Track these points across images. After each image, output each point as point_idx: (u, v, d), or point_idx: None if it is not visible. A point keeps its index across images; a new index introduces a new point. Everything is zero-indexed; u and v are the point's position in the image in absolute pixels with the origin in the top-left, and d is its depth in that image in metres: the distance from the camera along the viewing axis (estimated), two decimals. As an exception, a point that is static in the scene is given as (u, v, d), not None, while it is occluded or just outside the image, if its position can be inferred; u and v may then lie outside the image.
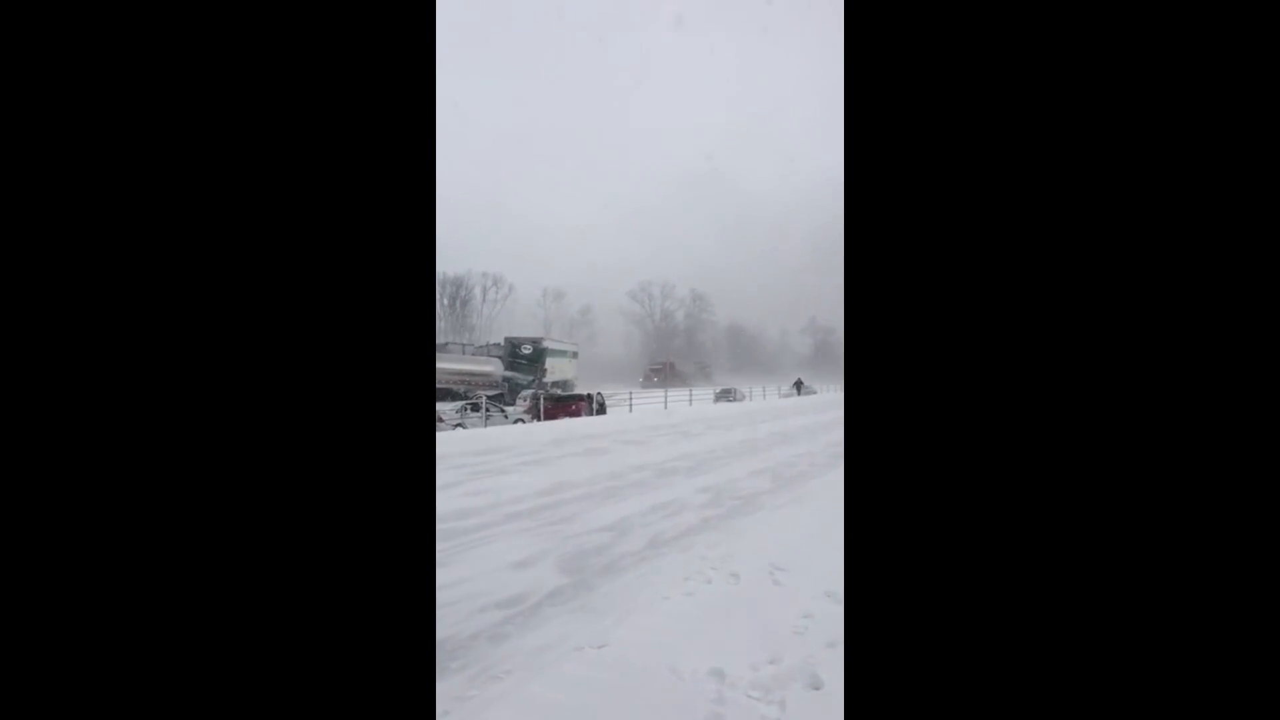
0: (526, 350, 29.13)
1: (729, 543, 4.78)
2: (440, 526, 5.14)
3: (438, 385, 25.48)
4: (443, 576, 3.95)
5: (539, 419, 17.25)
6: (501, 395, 24.75)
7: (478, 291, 61.41)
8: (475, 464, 8.35)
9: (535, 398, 19.07)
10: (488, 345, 30.54)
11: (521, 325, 52.42)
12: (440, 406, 18.02)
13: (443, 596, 3.65)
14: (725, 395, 29.84)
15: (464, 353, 28.94)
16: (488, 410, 16.53)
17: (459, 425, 15.59)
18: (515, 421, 16.84)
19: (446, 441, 10.97)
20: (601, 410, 19.68)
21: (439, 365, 26.41)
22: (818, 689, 2.59)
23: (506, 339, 31.15)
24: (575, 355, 34.07)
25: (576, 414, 18.59)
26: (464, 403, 17.85)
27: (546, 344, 30.68)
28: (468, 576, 3.98)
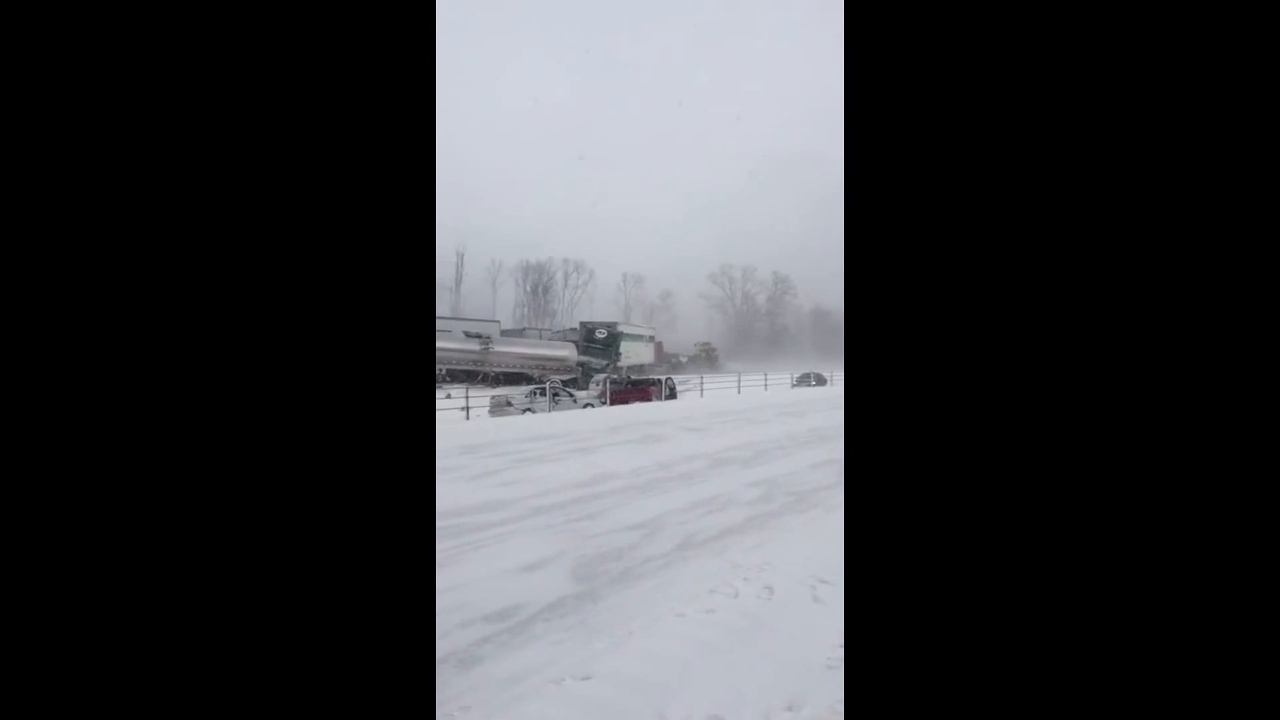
0: (601, 335, 28.97)
1: (771, 546, 4.19)
2: (458, 520, 4.79)
3: (513, 369, 25.75)
4: (439, 580, 3.56)
5: (608, 404, 16.94)
6: (575, 380, 24.69)
7: (559, 277, 62.07)
8: (520, 451, 8.02)
9: (605, 383, 18.79)
10: (564, 330, 30.53)
11: (602, 311, 52.56)
12: (510, 391, 18.05)
13: (427, 605, 3.26)
14: (806, 380, 28.65)
15: (540, 338, 29.10)
16: (555, 395, 16.35)
17: (528, 410, 15.50)
18: (584, 406, 16.59)
19: (501, 427, 10.76)
20: (672, 395, 19.18)
21: (514, 350, 26.68)
22: (836, 758, 2.02)
23: (581, 324, 31.15)
24: (652, 340, 33.70)
25: (647, 399, 18.18)
26: (533, 387, 17.79)
27: (622, 329, 30.46)
28: (465, 581, 3.58)
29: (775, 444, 8.88)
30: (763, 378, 24.26)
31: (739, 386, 21.17)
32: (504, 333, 28.79)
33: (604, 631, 2.95)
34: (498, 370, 25.75)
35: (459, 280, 54.07)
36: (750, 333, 64.17)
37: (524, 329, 30.42)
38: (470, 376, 24.34)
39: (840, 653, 2.64)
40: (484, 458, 7.54)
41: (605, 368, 26.32)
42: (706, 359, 40.94)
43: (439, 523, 4.69)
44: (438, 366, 24.86)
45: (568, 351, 27.62)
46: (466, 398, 13.67)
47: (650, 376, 23.79)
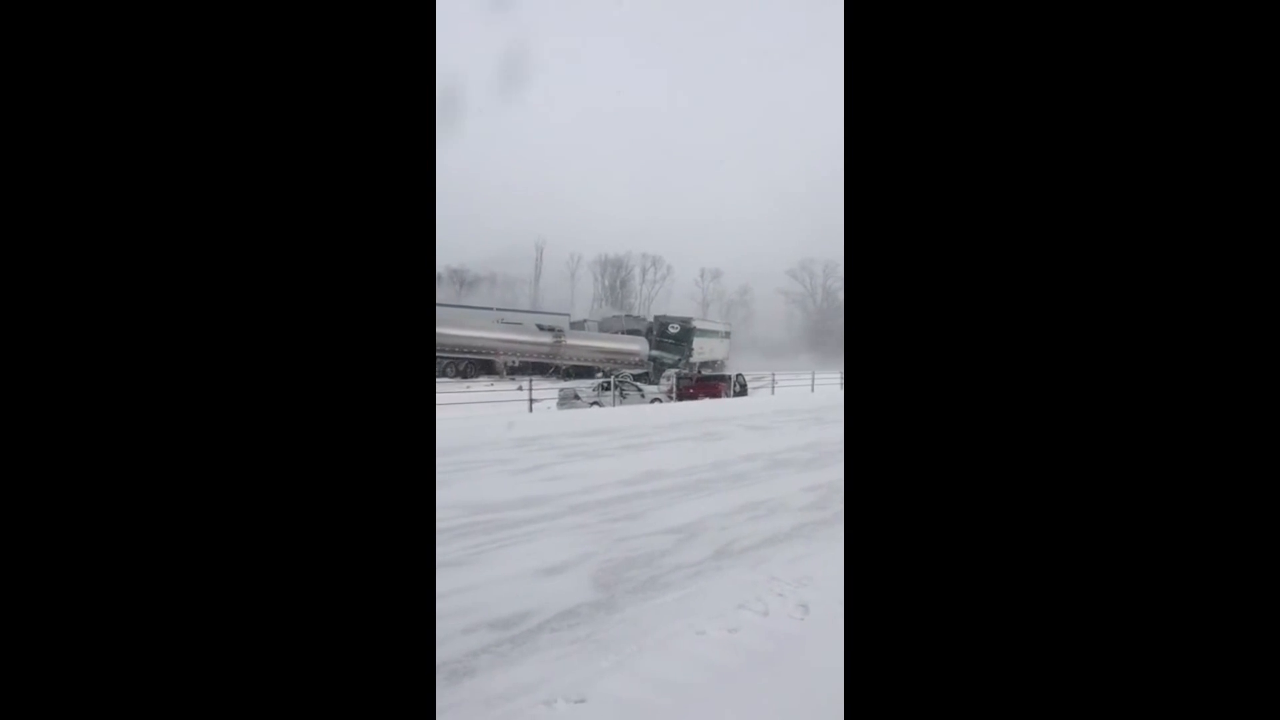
0: (674, 329, 28.68)
1: (815, 559, 3.85)
2: (492, 517, 4.66)
3: (584, 363, 25.86)
4: (454, 580, 3.42)
5: (676, 399, 16.69)
6: (646, 374, 24.54)
7: (636, 272, 62.18)
8: (572, 446, 7.89)
9: (674, 378, 18.54)
10: (625, 317, 30.19)
11: (679, 306, 52.21)
12: (578, 384, 18.07)
13: (440, 607, 3.11)
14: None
15: (597, 329, 29.10)
16: (621, 389, 16.23)
17: (595, 403, 15.45)
18: (652, 401, 16.40)
19: (563, 420, 10.69)
20: (743, 391, 18.72)
21: (585, 343, 26.79)
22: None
23: (655, 318, 30.95)
24: (727, 335, 33.16)
25: (716, 395, 17.81)
26: (600, 380, 17.75)
27: (695, 324, 30.09)
28: (481, 583, 3.42)
29: (840, 445, 8.41)
30: (838, 375, 23.40)
31: (813, 384, 20.47)
32: (572, 325, 28.85)
33: (612, 648, 2.72)
34: (569, 363, 25.91)
35: (538, 274, 54.95)
36: (830, 329, 62.36)
37: (584, 321, 30.42)
38: (541, 369, 24.55)
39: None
40: (535, 451, 7.44)
41: (677, 363, 26.04)
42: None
43: (472, 518, 4.59)
44: (511, 359, 25.25)
45: (638, 345, 27.48)
46: (530, 390, 13.70)
47: (721, 372, 23.32)
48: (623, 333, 28.07)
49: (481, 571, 3.59)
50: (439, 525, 4.33)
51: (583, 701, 2.28)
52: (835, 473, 6.51)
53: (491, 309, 28.31)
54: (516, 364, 25.32)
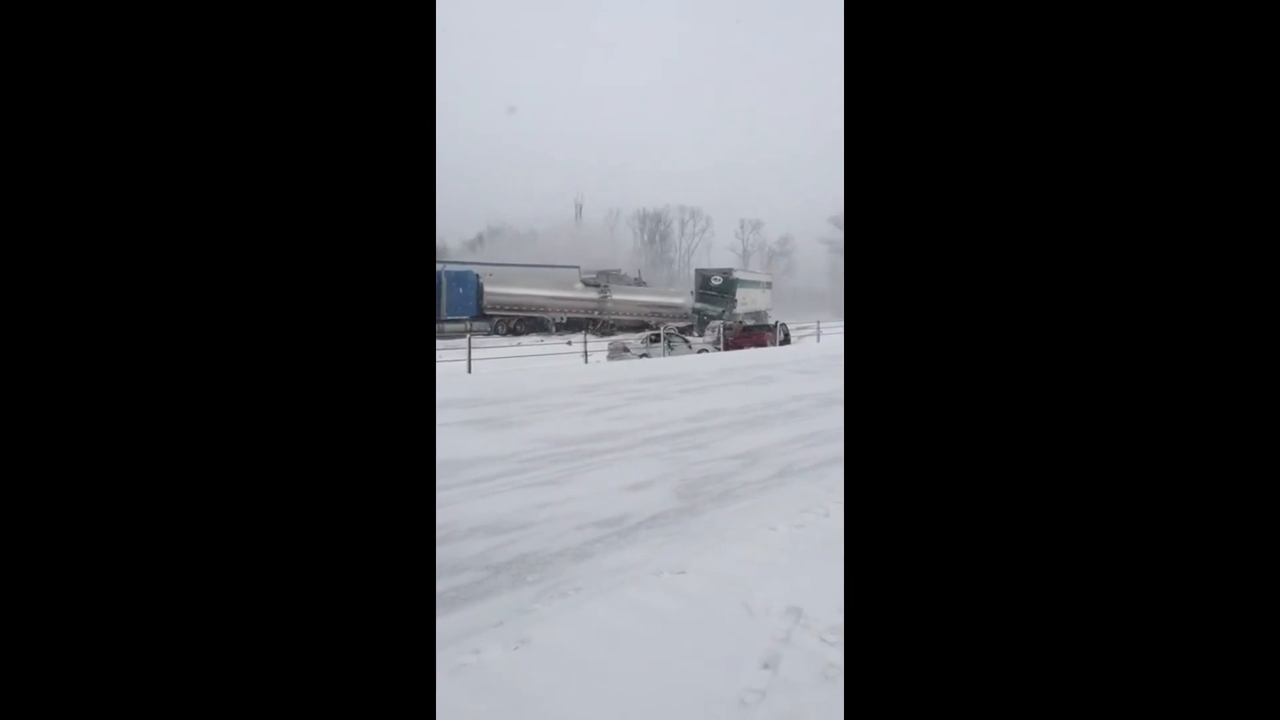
0: (717, 281, 28.89)
1: (868, 476, 4.33)
2: (571, 448, 5.25)
3: (630, 317, 26.36)
4: (554, 494, 4.01)
5: (723, 349, 17.12)
6: (690, 327, 24.95)
7: (675, 225, 61.96)
8: (633, 391, 8.45)
9: (719, 328, 18.93)
10: (599, 273, 29.14)
11: (720, 257, 52.06)
12: (626, 337, 18.62)
13: (546, 513, 3.71)
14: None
15: (637, 283, 29.37)
16: (669, 341, 16.72)
17: (644, 355, 15.99)
18: (699, 351, 16.88)
19: (617, 369, 11.26)
20: (786, 340, 19.05)
21: (631, 298, 27.24)
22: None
23: (697, 270, 31.13)
24: (769, 286, 33.18)
25: (761, 344, 18.18)
26: (649, 333, 18.25)
27: (737, 275, 30.18)
28: (576, 496, 4.00)
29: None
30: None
31: (858, 331, 20.62)
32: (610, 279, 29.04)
33: (699, 539, 3.27)
34: (615, 318, 26.47)
35: (578, 231, 55.23)
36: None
37: (619, 271, 30.51)
38: (589, 324, 25.16)
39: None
40: (600, 396, 8.02)
41: (721, 314, 26.35)
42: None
43: (556, 449, 5.18)
44: (559, 315, 25.92)
45: (682, 299, 27.84)
46: (585, 343, 14.32)
47: (765, 322, 23.62)
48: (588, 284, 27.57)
49: (576, 489, 4.18)
50: (528, 455, 4.96)
51: (683, 573, 2.83)
52: (883, 408, 6.94)
53: (536, 265, 28.81)
54: (564, 320, 25.97)
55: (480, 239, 45.31)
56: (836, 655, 2.17)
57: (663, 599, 2.59)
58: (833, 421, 6.26)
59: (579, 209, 54.32)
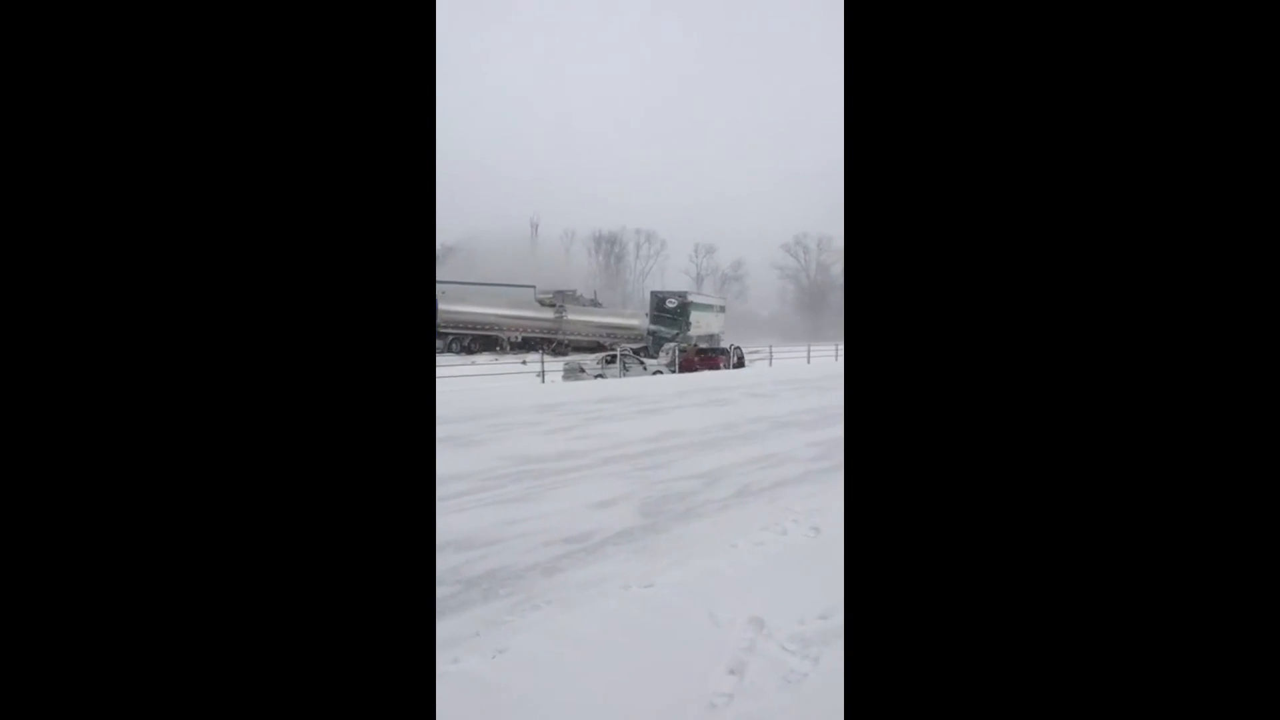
0: (671, 304, 29.28)
1: (823, 496, 4.54)
2: (536, 466, 5.34)
3: (586, 337, 26.46)
4: (521, 511, 4.10)
5: (677, 371, 17.36)
6: (645, 348, 25.20)
7: (630, 247, 62.46)
8: (592, 411, 8.56)
9: (674, 351, 19.21)
10: (558, 293, 29.06)
11: (674, 280, 52.70)
12: (583, 358, 18.73)
13: (515, 529, 3.79)
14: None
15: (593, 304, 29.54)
16: (624, 363, 16.89)
17: (599, 375, 16.10)
18: (654, 373, 17.08)
19: (575, 390, 11.36)
20: (740, 364, 19.44)
21: (587, 318, 27.38)
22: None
23: (652, 293, 31.49)
24: (722, 310, 33.76)
25: (715, 367, 18.50)
26: (604, 354, 18.39)
27: (692, 298, 30.65)
28: (545, 513, 4.10)
29: (839, 409, 9.11)
30: (833, 347, 24.14)
31: (809, 356, 21.20)
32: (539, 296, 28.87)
33: (665, 554, 3.41)
34: (571, 338, 26.55)
35: (533, 251, 55.18)
36: (824, 303, 62.94)
37: (575, 291, 30.52)
38: (544, 344, 25.15)
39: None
40: (559, 415, 8.11)
41: (675, 336, 26.69)
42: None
43: (521, 467, 5.26)
44: (513, 334, 25.85)
45: (637, 320, 28.15)
46: (542, 363, 14.38)
47: (719, 345, 24.06)
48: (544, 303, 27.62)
49: (543, 505, 4.27)
50: (494, 473, 5.03)
51: (651, 586, 2.96)
52: (836, 432, 7.21)
53: (491, 284, 28.69)
54: (519, 339, 25.92)
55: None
56: (798, 662, 2.34)
57: (633, 610, 2.72)
58: (789, 444, 6.50)
59: (534, 228, 54.41)
